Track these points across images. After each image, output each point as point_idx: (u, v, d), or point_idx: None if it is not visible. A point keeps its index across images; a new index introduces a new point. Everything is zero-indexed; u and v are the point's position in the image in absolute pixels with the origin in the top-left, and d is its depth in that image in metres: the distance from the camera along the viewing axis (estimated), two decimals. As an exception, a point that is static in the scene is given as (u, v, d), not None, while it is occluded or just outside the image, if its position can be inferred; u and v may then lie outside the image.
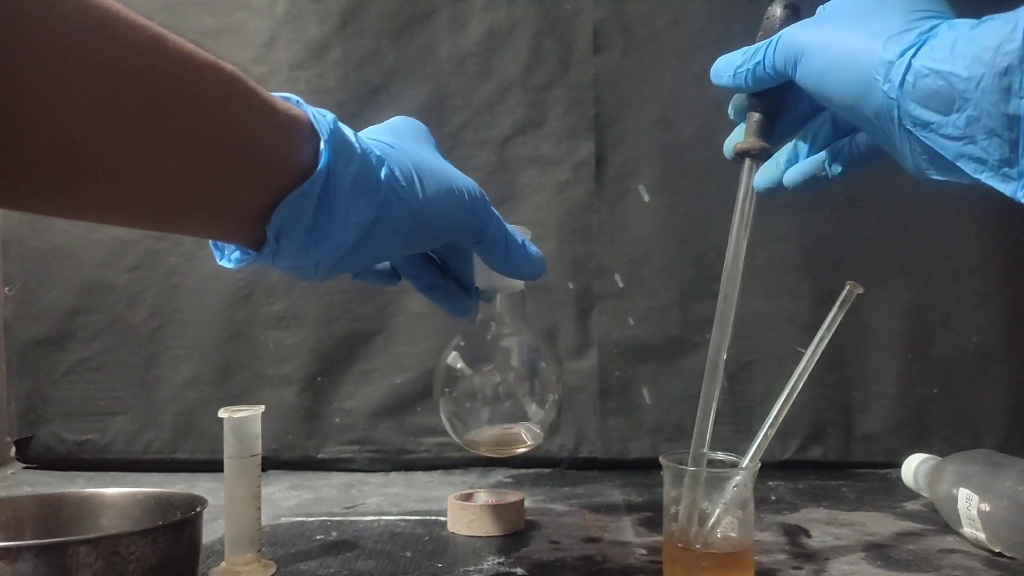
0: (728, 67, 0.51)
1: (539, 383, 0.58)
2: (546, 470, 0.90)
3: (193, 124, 0.36)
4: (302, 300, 0.92)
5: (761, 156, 0.51)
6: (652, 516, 0.71)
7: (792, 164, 0.52)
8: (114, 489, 0.56)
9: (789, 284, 0.90)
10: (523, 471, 0.90)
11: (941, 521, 0.67)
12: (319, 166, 0.40)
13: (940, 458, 0.72)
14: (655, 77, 0.91)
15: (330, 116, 0.42)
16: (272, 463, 0.89)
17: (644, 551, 0.61)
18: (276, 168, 0.39)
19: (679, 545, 0.53)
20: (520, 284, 0.58)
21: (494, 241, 0.51)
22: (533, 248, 0.54)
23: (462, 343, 0.59)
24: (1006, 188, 0.38)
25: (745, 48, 0.50)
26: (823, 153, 0.51)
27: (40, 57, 0.30)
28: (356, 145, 0.43)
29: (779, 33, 0.48)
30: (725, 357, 0.53)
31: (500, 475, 0.88)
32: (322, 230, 0.41)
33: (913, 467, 0.76)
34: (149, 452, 0.92)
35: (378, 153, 0.44)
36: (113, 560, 0.43)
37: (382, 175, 0.43)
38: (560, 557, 0.60)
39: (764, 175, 0.52)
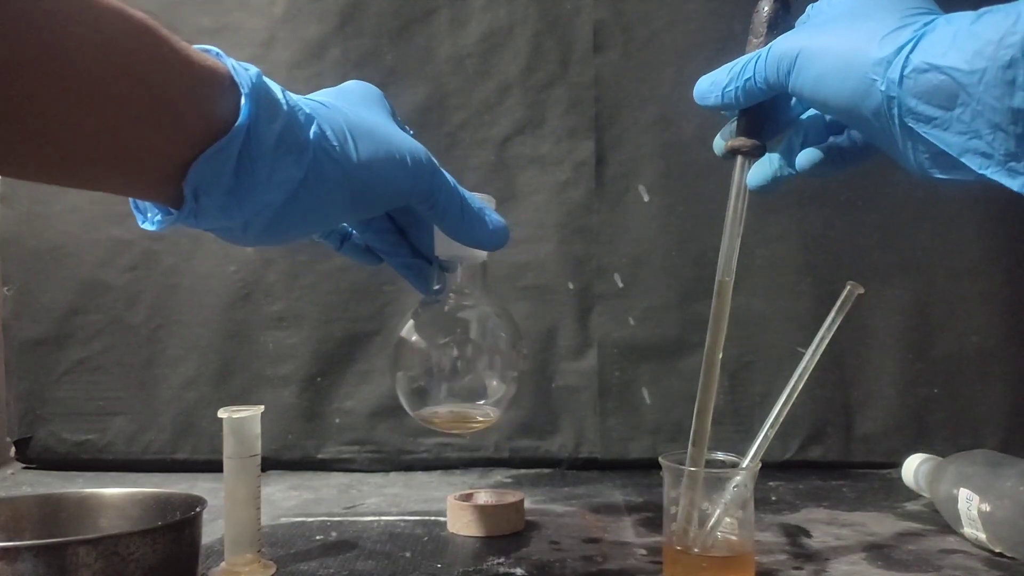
0: (714, 88, 0.50)
1: (498, 358, 0.56)
2: (546, 470, 0.90)
3: (98, 73, 0.34)
4: (301, 300, 0.92)
5: (754, 153, 0.51)
6: (652, 516, 0.71)
7: (786, 161, 0.51)
8: (114, 489, 0.56)
9: (789, 284, 0.90)
10: (523, 471, 0.90)
11: (942, 521, 0.67)
12: (238, 121, 0.39)
13: (940, 458, 0.72)
14: (655, 77, 0.91)
15: (253, 70, 0.41)
16: (272, 463, 0.89)
17: (644, 551, 0.61)
18: (192, 122, 0.38)
19: (677, 548, 0.53)
20: (482, 255, 0.56)
21: (446, 207, 0.49)
22: (494, 216, 0.52)
23: (420, 314, 0.57)
24: (1013, 183, 0.38)
25: (727, 66, 0.50)
26: (820, 149, 0.51)
27: None
28: (282, 101, 0.41)
29: (768, 46, 0.47)
30: (720, 356, 0.52)
31: (500, 475, 0.88)
32: (245, 189, 0.40)
33: (913, 467, 0.76)
34: (149, 452, 0.92)
35: (307, 111, 0.43)
36: (113, 560, 0.43)
37: (311, 133, 0.42)
38: (560, 557, 0.60)
39: (757, 173, 0.52)
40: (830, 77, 0.43)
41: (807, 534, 0.66)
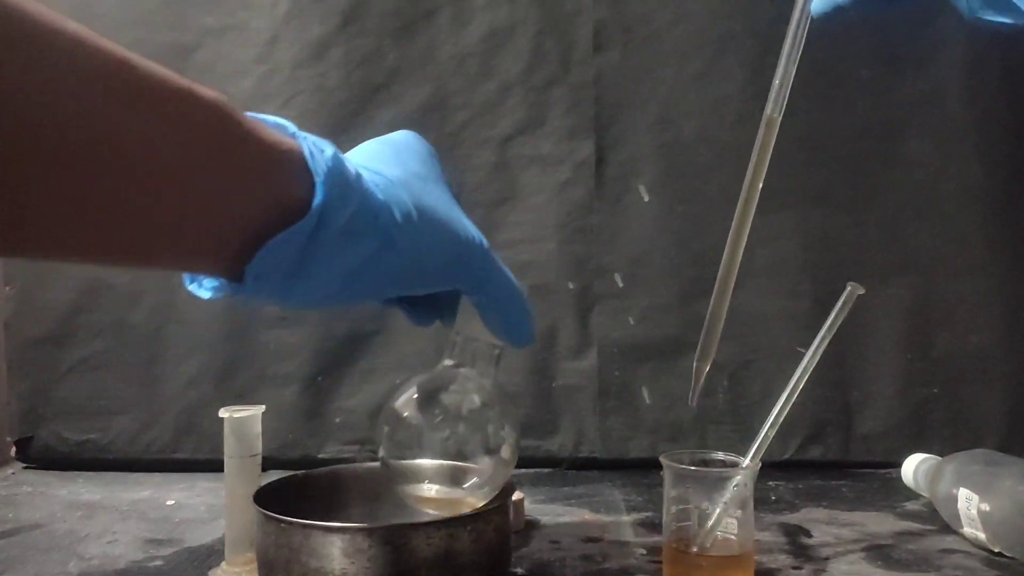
0: None
1: (491, 446, 0.51)
2: (546, 470, 0.90)
3: (162, 159, 0.32)
4: (303, 300, 0.92)
5: None
6: (652, 516, 0.71)
7: None
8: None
9: (789, 283, 0.90)
10: (523, 471, 0.90)
11: (941, 521, 0.67)
12: (312, 207, 0.37)
13: (940, 458, 0.72)
14: (655, 77, 0.91)
15: (329, 151, 0.38)
16: (273, 463, 0.88)
17: (644, 551, 0.61)
18: (260, 207, 0.36)
19: (673, 546, 0.53)
20: (500, 343, 0.52)
21: (494, 297, 0.47)
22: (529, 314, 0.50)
23: (419, 384, 0.53)
24: None
25: None
26: None
27: (6, 84, 0.27)
28: (355, 184, 0.39)
29: None
30: (736, 272, 0.52)
31: (500, 475, 0.88)
32: (304, 274, 0.38)
33: (913, 467, 0.76)
34: (150, 452, 0.92)
35: (380, 197, 0.40)
36: (451, 542, 0.46)
37: (380, 219, 0.40)
38: (560, 557, 0.60)
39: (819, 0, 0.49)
40: None
41: (807, 534, 0.66)
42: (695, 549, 0.52)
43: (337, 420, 0.92)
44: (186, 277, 0.41)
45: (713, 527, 0.52)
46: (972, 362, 0.89)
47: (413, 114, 0.92)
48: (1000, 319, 0.90)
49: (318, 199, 0.37)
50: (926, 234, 0.90)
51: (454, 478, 0.51)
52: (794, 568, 0.58)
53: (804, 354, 0.56)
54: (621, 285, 0.91)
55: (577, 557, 0.60)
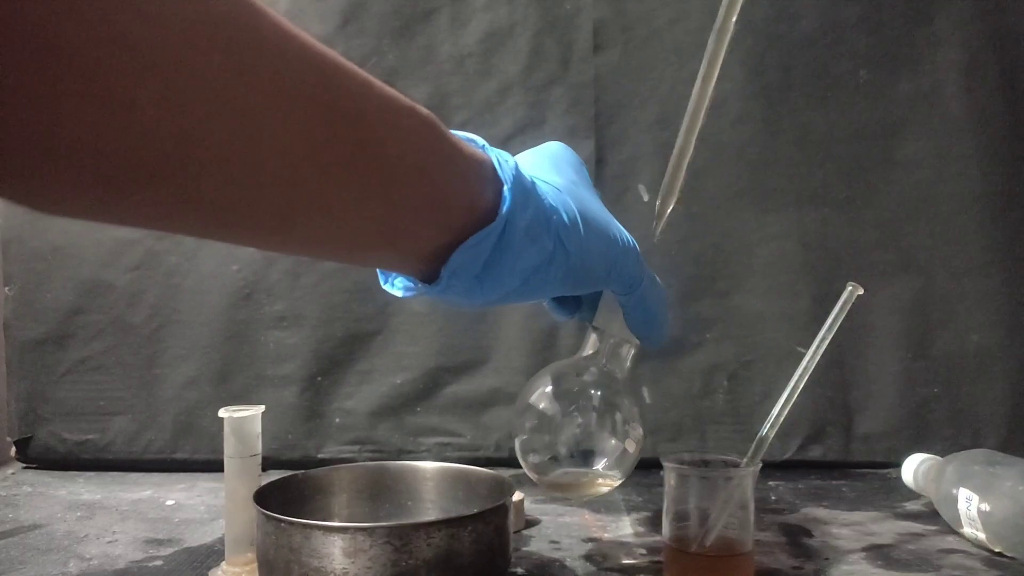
0: None
1: (619, 437, 0.55)
2: (546, 470, 0.90)
3: (393, 167, 0.36)
4: (302, 300, 0.92)
5: None
6: (652, 516, 0.71)
7: None
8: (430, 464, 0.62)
9: (788, 283, 0.90)
10: (523, 471, 0.89)
11: (941, 521, 0.67)
12: (502, 212, 0.40)
13: (940, 458, 0.72)
14: (655, 76, 0.91)
15: (512, 161, 0.42)
16: (272, 463, 0.89)
17: (644, 551, 0.61)
18: (459, 211, 0.40)
19: (673, 546, 0.53)
20: (635, 340, 0.56)
21: (643, 297, 0.51)
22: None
23: (555, 374, 0.56)
24: None
25: None
26: None
27: (265, 99, 0.29)
28: (532, 191, 0.43)
29: None
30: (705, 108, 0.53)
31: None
32: (491, 275, 0.42)
33: (913, 467, 0.76)
34: (149, 452, 0.92)
35: (551, 201, 0.44)
36: (451, 542, 0.47)
37: (552, 222, 0.43)
38: (560, 557, 0.60)
39: None
40: None
41: (807, 533, 0.66)
42: (695, 549, 0.52)
43: (336, 420, 0.92)
44: (381, 276, 0.45)
45: (713, 527, 0.52)
46: (972, 362, 0.89)
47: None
48: (1000, 318, 0.90)
49: (507, 204, 0.40)
50: (925, 233, 0.90)
51: (583, 466, 0.54)
52: (794, 568, 0.58)
53: (804, 354, 0.56)
54: (621, 285, 0.91)
55: (577, 557, 0.60)
